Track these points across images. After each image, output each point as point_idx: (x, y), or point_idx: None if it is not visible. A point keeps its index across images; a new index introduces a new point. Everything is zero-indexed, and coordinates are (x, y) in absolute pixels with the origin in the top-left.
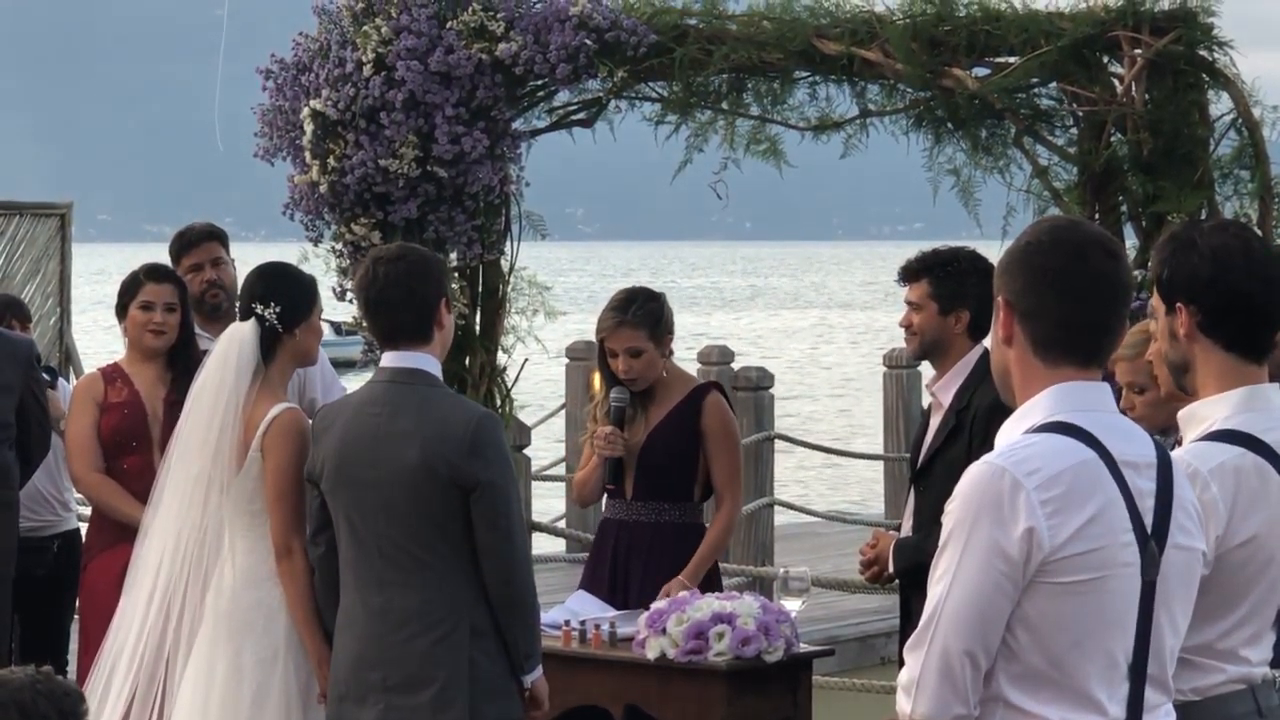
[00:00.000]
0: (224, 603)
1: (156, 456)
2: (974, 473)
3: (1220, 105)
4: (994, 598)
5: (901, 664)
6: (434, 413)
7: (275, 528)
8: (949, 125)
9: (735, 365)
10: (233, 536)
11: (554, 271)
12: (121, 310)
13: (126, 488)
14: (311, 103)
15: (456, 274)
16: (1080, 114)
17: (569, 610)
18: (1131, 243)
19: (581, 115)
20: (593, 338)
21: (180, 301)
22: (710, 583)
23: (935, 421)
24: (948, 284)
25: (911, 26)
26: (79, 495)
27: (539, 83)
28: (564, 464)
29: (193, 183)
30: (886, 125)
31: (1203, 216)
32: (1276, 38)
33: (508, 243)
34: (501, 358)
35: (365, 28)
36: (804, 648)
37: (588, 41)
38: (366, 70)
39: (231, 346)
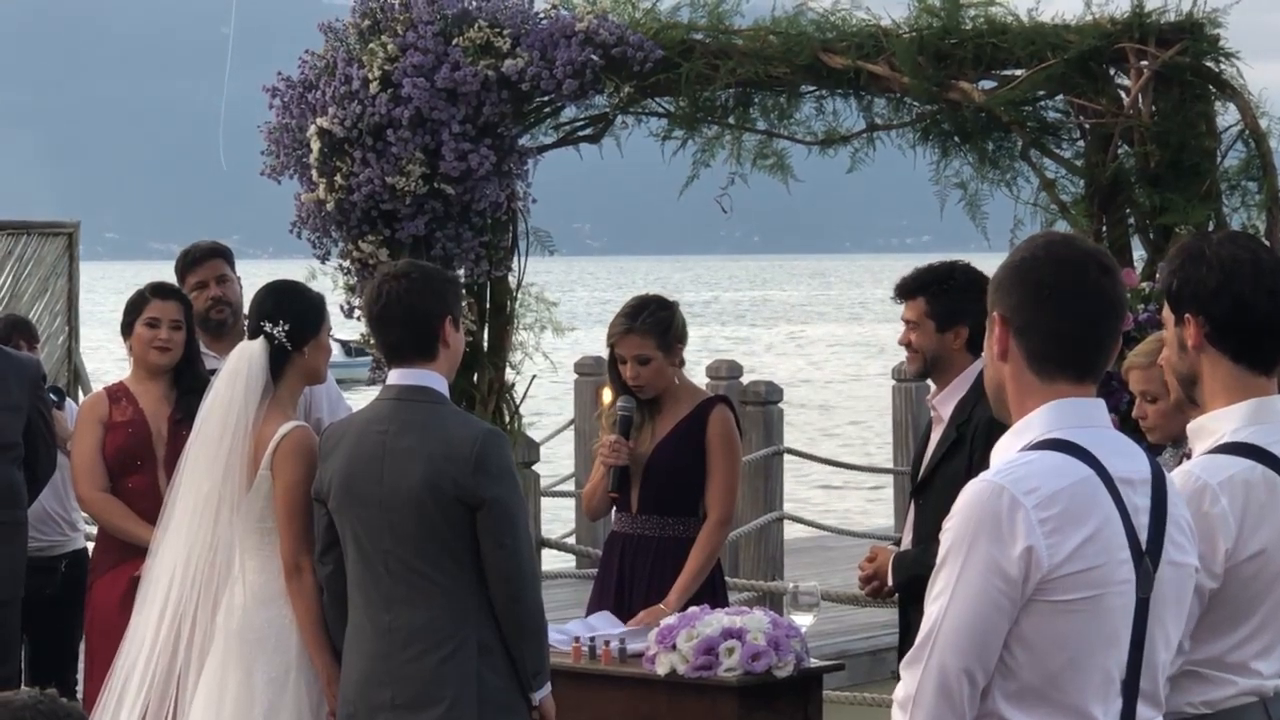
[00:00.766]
0: (235, 622)
1: (162, 475)
2: (972, 490)
3: (1227, 117)
4: (992, 616)
5: (898, 679)
6: (439, 430)
7: (285, 546)
8: (956, 138)
9: (744, 379)
10: (243, 555)
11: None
12: (127, 328)
13: (132, 507)
14: (318, 120)
15: (464, 290)
16: (1087, 126)
17: (587, 625)
18: (1139, 255)
19: (588, 131)
20: (601, 353)
21: (185, 319)
22: (716, 598)
23: (936, 435)
24: (944, 301)
25: (918, 40)
26: (86, 515)
27: (545, 99)
28: (573, 480)
29: (200, 200)
30: (893, 139)
31: (1210, 228)
32: None
33: (515, 259)
34: (510, 374)
35: (371, 45)
36: (814, 662)
37: (594, 57)
38: (373, 88)
39: (241, 364)
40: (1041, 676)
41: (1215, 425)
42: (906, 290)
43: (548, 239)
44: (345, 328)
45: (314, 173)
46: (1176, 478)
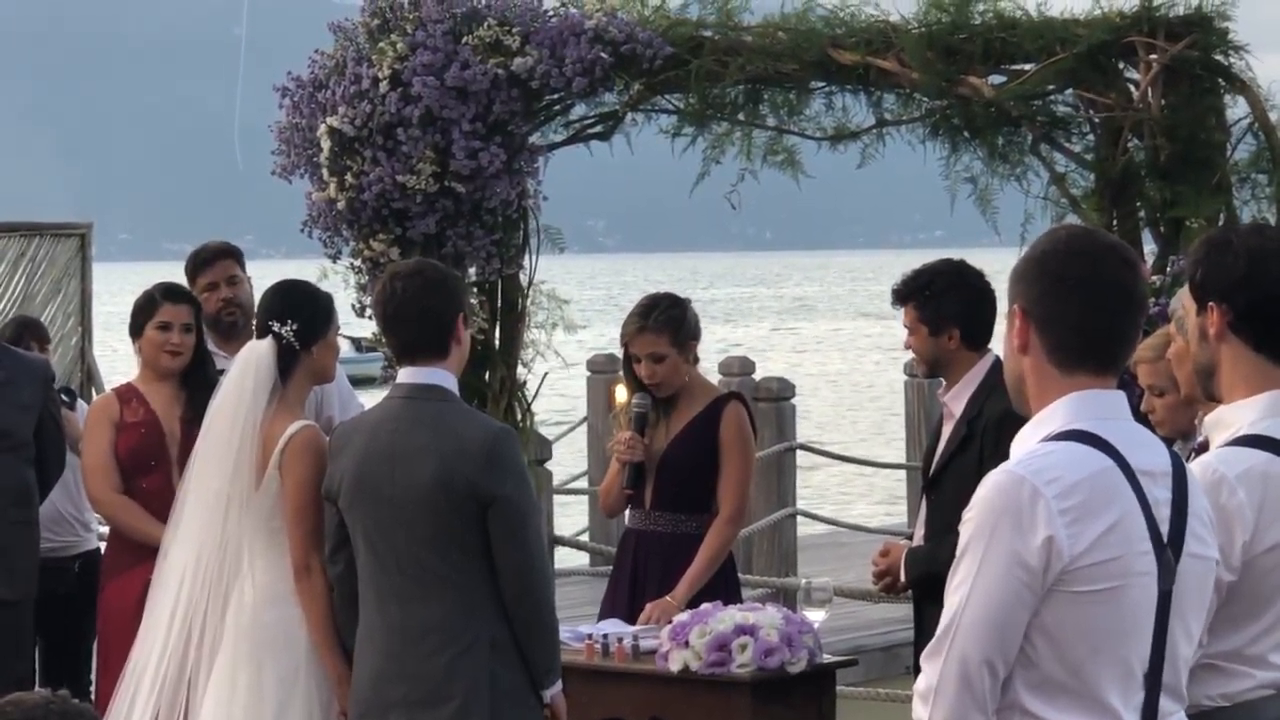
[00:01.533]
0: (244, 621)
1: (175, 475)
2: (993, 481)
3: (1237, 110)
4: (1013, 607)
5: (918, 672)
6: (450, 428)
7: (294, 546)
8: (966, 133)
9: (756, 376)
10: (252, 554)
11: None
12: (136, 330)
13: (146, 507)
14: (328, 120)
15: (475, 289)
16: (1097, 120)
17: (598, 629)
18: (1150, 248)
19: (598, 128)
20: (613, 351)
21: (195, 322)
22: (729, 594)
23: (947, 431)
24: (929, 307)
25: (927, 35)
26: (98, 515)
27: (555, 96)
28: (586, 477)
29: (213, 200)
30: (903, 134)
31: (1220, 221)
32: None
33: (526, 257)
34: (521, 372)
35: (381, 44)
36: (827, 658)
37: (604, 55)
38: (383, 86)
39: (249, 364)
40: (1063, 667)
41: (1234, 417)
42: (899, 297)
43: (559, 236)
44: (357, 326)
45: (324, 172)
46: (1194, 469)
